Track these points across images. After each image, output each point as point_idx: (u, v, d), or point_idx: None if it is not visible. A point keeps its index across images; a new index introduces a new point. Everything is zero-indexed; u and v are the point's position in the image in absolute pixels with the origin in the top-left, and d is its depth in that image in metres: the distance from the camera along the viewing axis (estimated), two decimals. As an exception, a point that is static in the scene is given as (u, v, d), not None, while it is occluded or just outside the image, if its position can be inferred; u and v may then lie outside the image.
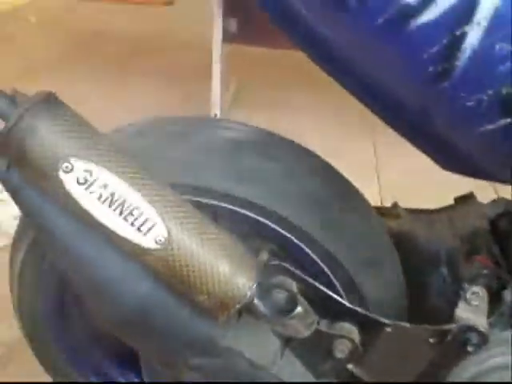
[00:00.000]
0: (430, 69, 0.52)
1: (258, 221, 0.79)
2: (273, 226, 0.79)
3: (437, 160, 0.70)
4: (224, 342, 0.73)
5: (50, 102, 0.66)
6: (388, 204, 1.06)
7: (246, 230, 0.78)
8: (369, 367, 0.80)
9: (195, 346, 0.73)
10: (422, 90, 0.55)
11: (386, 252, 0.88)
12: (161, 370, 0.79)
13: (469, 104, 0.52)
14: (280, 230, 0.80)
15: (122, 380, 1.07)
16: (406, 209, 1.05)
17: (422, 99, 0.57)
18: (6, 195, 1.64)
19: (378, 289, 0.84)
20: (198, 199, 0.75)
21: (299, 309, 0.68)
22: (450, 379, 0.81)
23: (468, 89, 0.52)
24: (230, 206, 0.77)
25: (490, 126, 0.53)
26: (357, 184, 1.59)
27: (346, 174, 1.72)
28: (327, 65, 0.66)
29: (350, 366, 0.79)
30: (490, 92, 0.51)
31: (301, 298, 0.69)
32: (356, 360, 0.78)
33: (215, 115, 2.09)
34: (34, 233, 0.84)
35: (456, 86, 0.52)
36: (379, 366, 0.80)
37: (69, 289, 0.90)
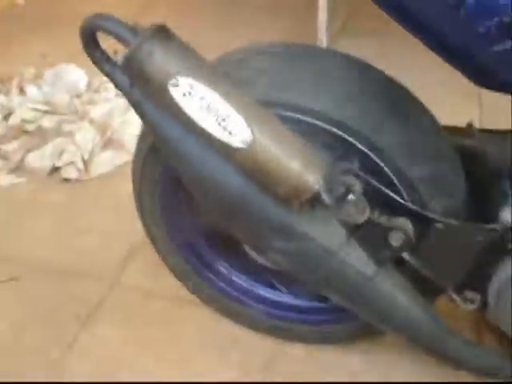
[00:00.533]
0: (449, 1, 0.64)
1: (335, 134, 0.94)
2: (346, 137, 0.93)
3: (469, 77, 0.81)
4: (300, 228, 0.89)
5: (163, 31, 0.83)
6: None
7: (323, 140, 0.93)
8: (421, 257, 0.94)
9: (277, 231, 0.90)
10: (445, 18, 0.68)
11: (449, 163, 0.99)
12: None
13: (480, 30, 0.64)
14: (352, 140, 0.93)
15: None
16: (479, 129, 1.15)
17: (447, 26, 0.70)
18: (128, 117, 1.84)
19: (439, 197, 0.96)
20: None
21: (352, 196, 0.83)
22: (497, 273, 0.93)
23: (478, 17, 0.64)
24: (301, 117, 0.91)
25: (499, 48, 0.65)
26: (459, 108, 1.65)
27: (449, 100, 1.77)
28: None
29: (404, 255, 0.93)
30: (496, 20, 0.63)
31: (355, 188, 0.84)
32: (410, 250, 0.92)
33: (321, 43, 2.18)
34: (152, 139, 1.03)
35: (469, 15, 0.64)
36: (431, 257, 0.94)
37: (181, 186, 1.08)
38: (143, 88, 0.85)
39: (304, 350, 1.29)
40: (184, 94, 0.80)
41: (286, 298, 1.23)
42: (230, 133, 0.80)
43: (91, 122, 1.83)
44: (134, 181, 1.13)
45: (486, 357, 1.00)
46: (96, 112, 1.86)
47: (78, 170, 1.72)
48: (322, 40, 2.21)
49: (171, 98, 0.81)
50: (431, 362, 1.12)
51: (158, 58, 0.81)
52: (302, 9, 2.44)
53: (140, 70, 0.82)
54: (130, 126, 1.79)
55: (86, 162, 1.74)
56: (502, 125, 1.11)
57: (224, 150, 0.82)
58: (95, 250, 1.51)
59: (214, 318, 1.33)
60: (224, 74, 0.85)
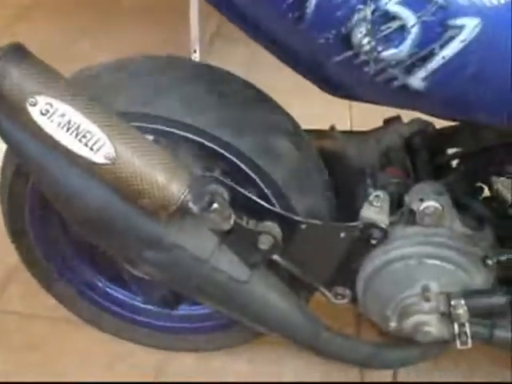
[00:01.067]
0: (290, 15, 0.68)
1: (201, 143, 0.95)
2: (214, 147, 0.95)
3: (322, 88, 0.86)
4: (169, 238, 0.90)
5: (18, 51, 0.82)
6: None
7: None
8: (291, 258, 0.97)
9: (146, 243, 0.90)
10: (289, 31, 0.72)
11: (312, 166, 1.04)
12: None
13: (320, 41, 0.68)
14: (221, 151, 0.95)
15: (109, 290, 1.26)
16: (340, 131, 1.20)
17: (293, 39, 0.74)
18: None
19: (304, 196, 1.01)
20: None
21: (215, 205, 0.85)
22: (362, 268, 0.99)
23: (318, 29, 0.68)
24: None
25: (339, 58, 0.70)
26: (329, 114, 1.71)
27: (319, 106, 1.84)
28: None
29: (275, 257, 0.97)
30: (334, 32, 0.68)
31: (218, 198, 0.86)
32: (279, 252, 0.95)
33: (194, 51, 2.19)
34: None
35: (309, 28, 0.69)
36: (300, 257, 0.98)
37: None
38: (1, 108, 0.83)
39: (191, 358, 1.30)
40: (42, 113, 0.79)
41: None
42: (92, 149, 0.80)
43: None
44: (2, 201, 1.10)
45: (360, 348, 1.06)
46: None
47: None
48: (195, 46, 2.19)
49: (30, 117, 0.80)
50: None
51: (15, 78, 0.80)
52: (174, 14, 2.42)
53: None
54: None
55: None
56: (373, 125, 1.18)
57: (87, 166, 0.82)
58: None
59: (96, 337, 1.31)
60: (83, 90, 0.84)
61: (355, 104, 0.94)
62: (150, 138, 1.00)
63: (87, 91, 0.85)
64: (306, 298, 1.12)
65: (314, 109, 1.86)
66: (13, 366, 1.27)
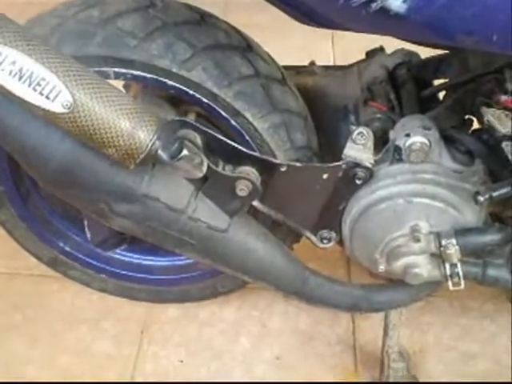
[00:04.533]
0: None
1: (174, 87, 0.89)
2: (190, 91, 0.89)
3: (296, 18, 0.79)
4: (140, 189, 0.84)
5: None
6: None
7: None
8: (272, 203, 0.92)
9: (116, 194, 0.84)
10: None
11: (291, 102, 0.97)
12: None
13: None
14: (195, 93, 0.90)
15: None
16: (321, 66, 1.14)
17: None
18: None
19: (282, 137, 0.95)
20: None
21: (185, 151, 0.79)
22: (349, 210, 0.94)
23: None
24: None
25: None
26: (312, 48, 1.64)
27: (301, 40, 1.77)
28: None
29: (255, 203, 0.92)
30: None
31: (188, 144, 0.80)
32: (259, 198, 0.90)
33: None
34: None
35: None
36: (282, 202, 0.93)
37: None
38: None
39: (179, 311, 1.28)
40: (-9, 62, 0.72)
41: (149, 261, 1.20)
42: (48, 97, 0.73)
43: None
44: None
45: (348, 292, 1.02)
46: None
47: None
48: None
49: None
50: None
51: None
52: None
53: None
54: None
55: None
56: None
57: (45, 117, 0.75)
58: None
59: (81, 294, 1.29)
60: (36, 36, 0.77)
61: (338, 39, 0.88)
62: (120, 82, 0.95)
63: (42, 36, 0.78)
64: (291, 244, 1.08)
65: (295, 45, 1.80)
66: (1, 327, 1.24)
